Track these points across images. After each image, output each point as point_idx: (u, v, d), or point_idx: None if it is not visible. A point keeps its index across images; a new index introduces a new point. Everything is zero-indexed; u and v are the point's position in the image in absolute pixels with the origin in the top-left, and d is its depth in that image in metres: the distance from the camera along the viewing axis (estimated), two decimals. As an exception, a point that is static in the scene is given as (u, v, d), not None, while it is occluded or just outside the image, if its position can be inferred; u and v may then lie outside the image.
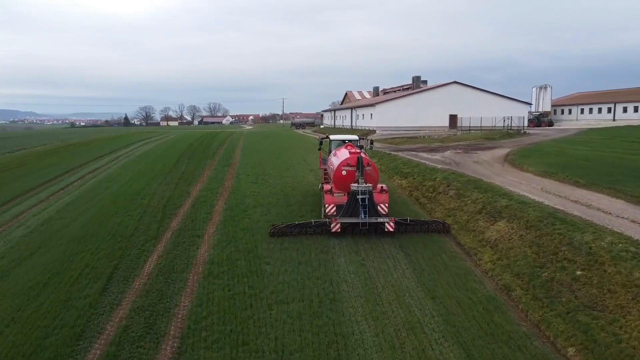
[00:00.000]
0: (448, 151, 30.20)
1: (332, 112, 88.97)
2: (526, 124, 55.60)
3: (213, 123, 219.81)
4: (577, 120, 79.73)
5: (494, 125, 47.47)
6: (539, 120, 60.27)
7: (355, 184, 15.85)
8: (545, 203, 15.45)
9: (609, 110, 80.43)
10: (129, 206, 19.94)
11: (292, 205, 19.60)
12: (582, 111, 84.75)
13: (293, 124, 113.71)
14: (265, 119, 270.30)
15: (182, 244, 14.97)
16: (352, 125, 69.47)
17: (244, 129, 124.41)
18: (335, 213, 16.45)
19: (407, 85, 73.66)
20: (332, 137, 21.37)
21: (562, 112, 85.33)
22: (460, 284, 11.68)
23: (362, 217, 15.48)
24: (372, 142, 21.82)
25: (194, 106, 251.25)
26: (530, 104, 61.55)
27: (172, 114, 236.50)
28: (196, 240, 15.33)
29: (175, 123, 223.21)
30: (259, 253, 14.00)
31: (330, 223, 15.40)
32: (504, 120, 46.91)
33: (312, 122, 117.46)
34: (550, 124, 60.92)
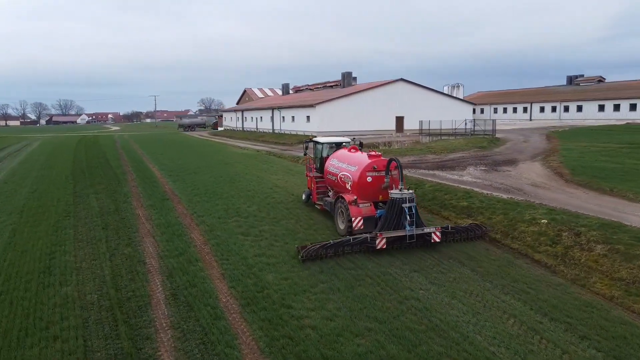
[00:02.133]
0: (470, 167, 24.85)
1: (239, 113, 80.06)
2: (469, 126, 53.64)
3: (66, 123, 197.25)
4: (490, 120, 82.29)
5: (454, 128, 44.10)
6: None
7: (397, 191, 14.56)
8: None
9: (525, 110, 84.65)
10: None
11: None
12: (495, 110, 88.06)
13: (181, 126, 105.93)
14: (129, 118, 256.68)
15: None
16: (273, 129, 61.86)
17: (112, 130, 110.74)
18: (362, 227, 15.19)
19: (332, 82, 68.24)
20: (321, 140, 19.84)
21: (474, 112, 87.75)
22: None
23: (409, 228, 14.06)
24: (361, 144, 19.77)
25: (41, 103, 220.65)
26: (474, 104, 60.16)
27: (11, 112, 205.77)
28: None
29: (17, 123, 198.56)
30: None
31: (371, 239, 13.76)
32: (466, 124, 43.83)
33: (203, 123, 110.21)
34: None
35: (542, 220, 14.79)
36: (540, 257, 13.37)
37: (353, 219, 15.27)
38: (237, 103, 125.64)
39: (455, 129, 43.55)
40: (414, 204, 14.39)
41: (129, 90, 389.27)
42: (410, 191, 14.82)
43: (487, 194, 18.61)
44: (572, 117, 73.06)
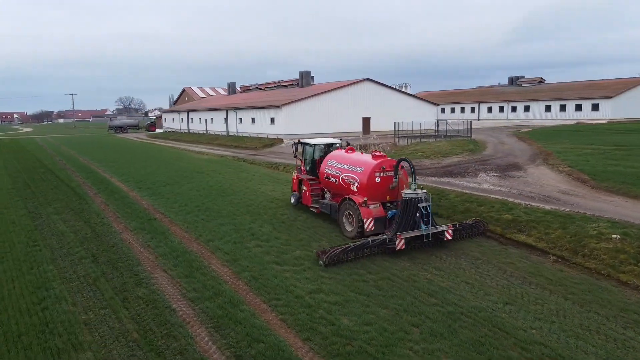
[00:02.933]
0: (481, 174, 23.81)
1: (184, 114, 75.50)
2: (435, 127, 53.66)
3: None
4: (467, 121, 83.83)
5: (422, 130, 43.55)
6: None
7: (410, 191, 14.72)
8: None
9: (472, 110, 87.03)
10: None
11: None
12: (442, 111, 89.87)
13: (112, 127, 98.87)
14: (38, 118, 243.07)
15: None
16: (227, 131, 58.50)
17: (25, 132, 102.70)
18: (373, 228, 15.35)
19: (286, 81, 65.81)
20: (312, 141, 19.85)
21: (443, 112, 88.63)
22: None
23: (424, 228, 14.34)
24: (348, 144, 19.52)
25: None
26: (438, 105, 60.29)
27: None
28: None
29: None
30: None
31: (390, 240, 13.86)
32: (437, 125, 43.37)
33: (136, 124, 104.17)
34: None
35: (613, 236, 13.76)
36: (628, 279, 12.25)
37: (364, 220, 15.29)
38: (175, 103, 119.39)
39: (424, 130, 43.01)
40: (430, 203, 14.71)
41: (37, 88, 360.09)
42: (424, 191, 15.05)
43: (526, 204, 17.50)
44: (520, 117, 75.93)
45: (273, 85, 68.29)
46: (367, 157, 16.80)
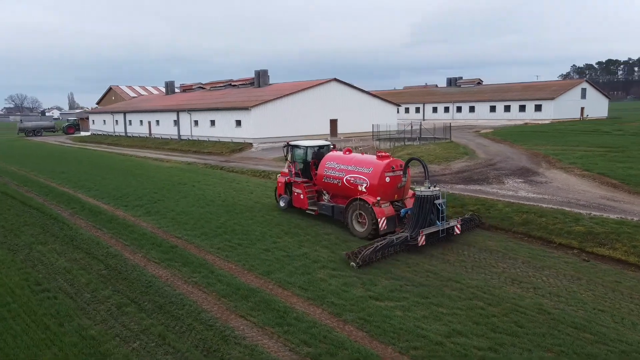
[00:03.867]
0: (507, 180, 23.15)
1: (119, 115, 69.55)
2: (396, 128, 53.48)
3: None
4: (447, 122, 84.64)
5: (397, 131, 42.94)
6: None
7: (424, 188, 15.48)
8: None
9: (417, 110, 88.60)
10: None
11: None
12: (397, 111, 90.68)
13: (22, 129, 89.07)
14: None
15: None
16: (179, 135, 54.36)
17: None
18: (386, 228, 15.95)
19: (236, 81, 62.39)
20: (304, 144, 20.20)
21: (407, 112, 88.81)
22: None
23: (439, 223, 15.24)
24: (334, 146, 20.33)
25: None
26: (399, 105, 59.98)
27: None
28: None
29: None
30: None
31: (411, 237, 14.65)
32: (411, 126, 42.79)
33: (52, 126, 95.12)
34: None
35: None
36: None
37: (379, 220, 15.79)
38: (98, 103, 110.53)
39: (399, 131, 42.41)
40: (445, 200, 15.71)
41: None
42: (437, 188, 15.80)
43: (588, 214, 16.89)
44: (465, 117, 78.46)
45: (221, 85, 64.54)
46: (372, 158, 17.28)
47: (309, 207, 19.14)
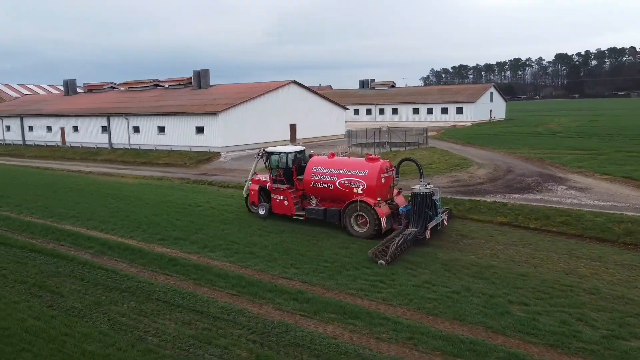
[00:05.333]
0: (557, 187, 23.57)
1: (13, 120, 59.46)
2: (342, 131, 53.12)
3: None
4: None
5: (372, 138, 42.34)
6: None
7: (423, 186, 16.76)
8: None
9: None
10: None
11: None
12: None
13: None
14: None
15: None
16: (111, 143, 47.83)
17: None
18: (385, 226, 17.21)
19: (168, 81, 56.51)
20: (284, 149, 20.65)
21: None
22: None
23: (437, 217, 17.09)
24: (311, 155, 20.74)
25: None
26: (347, 108, 59.18)
27: None
28: None
29: None
30: None
31: (419, 232, 16.19)
32: (380, 130, 42.32)
33: None
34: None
35: None
36: None
37: (382, 219, 17.07)
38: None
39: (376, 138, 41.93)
40: (440, 196, 17.74)
41: None
42: (431, 185, 17.37)
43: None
44: (388, 119, 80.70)
45: (146, 86, 58.05)
46: (363, 161, 18.44)
47: (295, 213, 19.70)
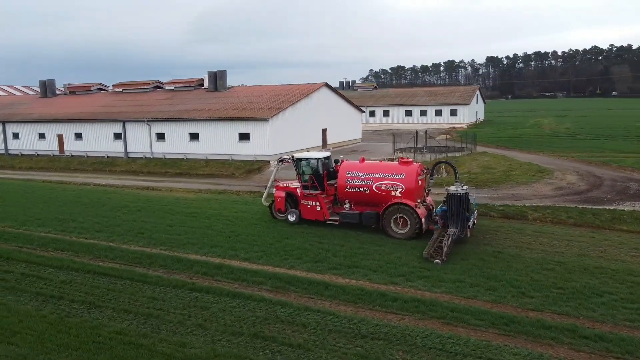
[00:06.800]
0: None
1: (19, 126, 53.97)
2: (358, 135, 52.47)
3: None
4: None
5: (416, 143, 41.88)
6: None
7: (456, 187, 17.56)
8: None
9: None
10: None
11: None
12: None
13: None
14: None
15: None
16: (126, 152, 44.34)
17: None
18: (425, 226, 18.26)
19: (173, 82, 53.09)
20: (315, 155, 21.10)
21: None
22: None
23: (472, 217, 18.16)
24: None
25: None
26: (364, 111, 58.14)
27: None
28: None
29: None
30: None
31: (460, 232, 17.19)
32: (426, 134, 42.00)
33: None
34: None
35: None
36: None
37: (422, 220, 18.04)
38: None
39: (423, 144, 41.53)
40: (474, 196, 18.91)
41: None
42: (466, 186, 18.14)
43: None
44: (380, 122, 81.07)
45: (146, 87, 54.48)
46: (396, 164, 19.31)
47: (330, 218, 20.11)
